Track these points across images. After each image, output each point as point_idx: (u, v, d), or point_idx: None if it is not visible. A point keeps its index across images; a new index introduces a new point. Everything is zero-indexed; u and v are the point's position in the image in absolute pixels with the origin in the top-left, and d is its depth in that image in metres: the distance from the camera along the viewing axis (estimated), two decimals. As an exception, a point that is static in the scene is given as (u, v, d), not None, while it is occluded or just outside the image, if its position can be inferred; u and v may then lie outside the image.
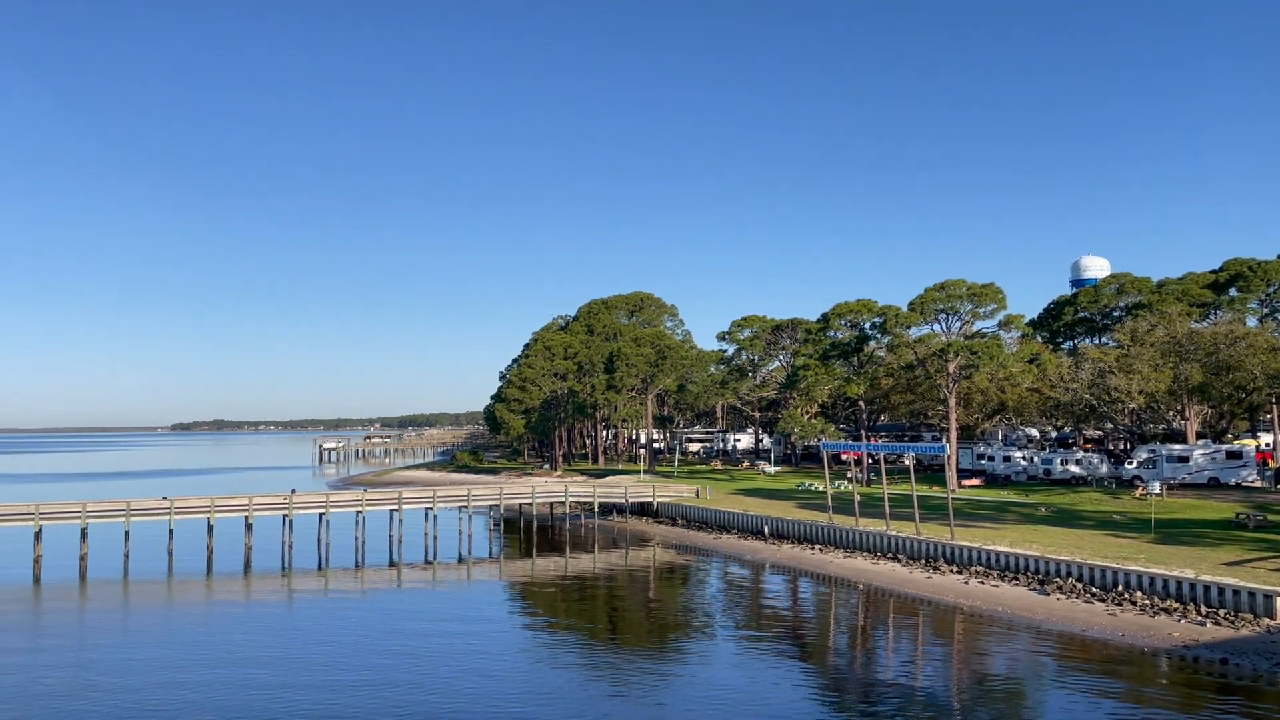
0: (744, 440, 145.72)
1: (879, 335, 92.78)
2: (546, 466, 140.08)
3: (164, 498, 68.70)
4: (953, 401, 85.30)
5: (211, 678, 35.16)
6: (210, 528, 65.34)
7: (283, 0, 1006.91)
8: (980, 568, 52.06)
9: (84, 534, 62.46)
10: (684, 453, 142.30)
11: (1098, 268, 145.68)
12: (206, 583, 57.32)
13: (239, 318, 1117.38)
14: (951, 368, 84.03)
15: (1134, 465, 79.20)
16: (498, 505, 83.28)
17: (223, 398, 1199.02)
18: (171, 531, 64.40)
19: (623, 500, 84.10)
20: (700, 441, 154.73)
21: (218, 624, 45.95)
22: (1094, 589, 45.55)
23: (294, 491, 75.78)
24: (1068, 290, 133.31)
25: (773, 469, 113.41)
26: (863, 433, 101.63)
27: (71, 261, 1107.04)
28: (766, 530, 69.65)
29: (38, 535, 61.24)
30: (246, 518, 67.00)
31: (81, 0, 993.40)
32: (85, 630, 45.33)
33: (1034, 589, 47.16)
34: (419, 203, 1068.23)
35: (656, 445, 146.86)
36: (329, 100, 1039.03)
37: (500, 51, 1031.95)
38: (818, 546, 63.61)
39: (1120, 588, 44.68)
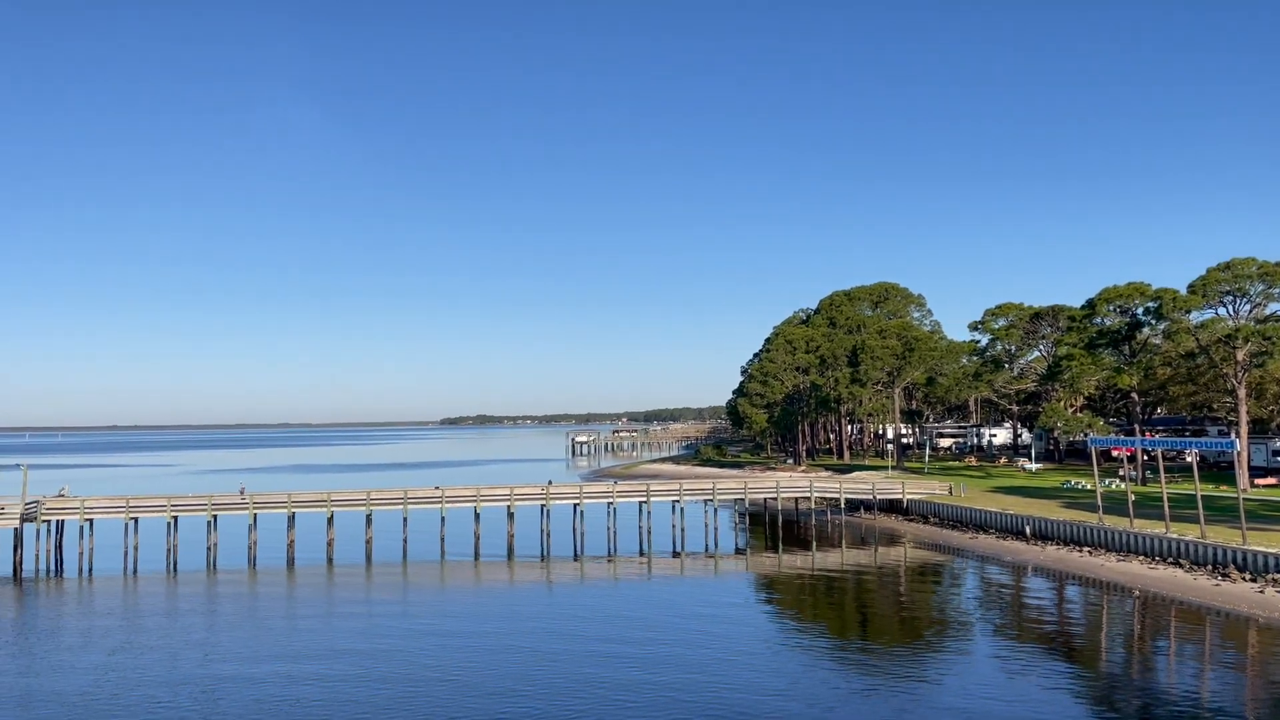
0: (1000, 435, 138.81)
1: (1153, 321, 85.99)
2: (790, 461, 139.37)
3: (436, 487, 74.36)
4: (1242, 393, 77.64)
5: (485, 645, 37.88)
6: (476, 515, 69.95)
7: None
8: (1278, 575, 46.82)
9: (369, 520, 68.81)
10: (934, 448, 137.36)
11: None
12: (474, 566, 61.56)
13: (501, 321, 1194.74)
14: (1240, 355, 76.45)
15: None
16: (742, 499, 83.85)
17: (486, 394, 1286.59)
18: (443, 519, 69.46)
19: (870, 496, 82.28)
20: (952, 437, 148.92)
21: (486, 603, 49.31)
22: None
23: (550, 483, 79.76)
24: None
25: (1033, 466, 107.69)
26: (1136, 427, 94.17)
27: (357, 272, 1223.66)
28: (1028, 530, 65.89)
29: (330, 520, 68.06)
30: (508, 507, 71.20)
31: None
32: (371, 605, 49.96)
33: (1348, 603, 41.89)
34: (666, 203, 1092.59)
35: (904, 440, 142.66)
36: (594, 110, 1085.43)
37: (737, 54, 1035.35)
38: (1086, 549, 59.49)
39: None
